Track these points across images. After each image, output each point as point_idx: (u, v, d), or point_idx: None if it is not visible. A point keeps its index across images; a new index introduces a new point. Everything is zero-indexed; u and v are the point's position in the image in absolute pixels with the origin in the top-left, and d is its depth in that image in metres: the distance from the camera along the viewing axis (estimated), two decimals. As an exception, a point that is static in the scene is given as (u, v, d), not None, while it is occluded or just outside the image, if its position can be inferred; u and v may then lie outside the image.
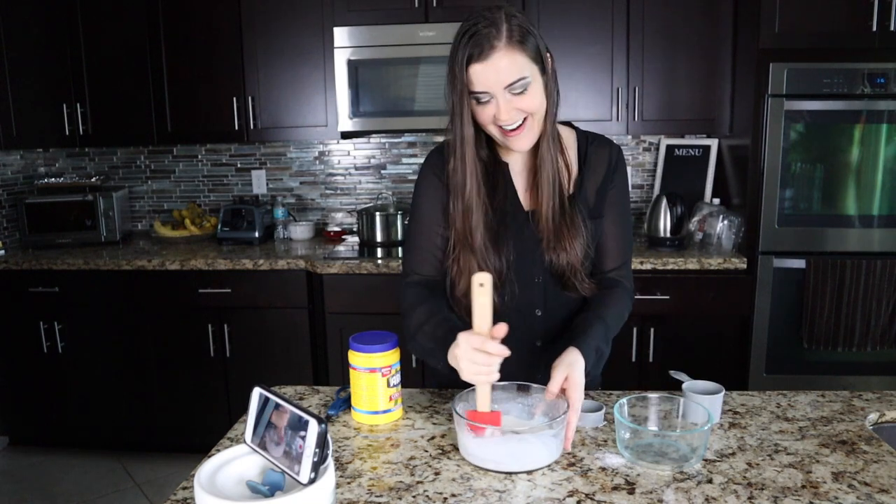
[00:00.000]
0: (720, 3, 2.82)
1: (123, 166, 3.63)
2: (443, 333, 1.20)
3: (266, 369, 2.96)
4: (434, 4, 2.88)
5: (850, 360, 2.68)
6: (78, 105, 3.19)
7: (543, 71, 1.20)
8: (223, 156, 3.56)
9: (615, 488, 1.01)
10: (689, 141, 3.18)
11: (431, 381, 1.49)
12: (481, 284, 1.05)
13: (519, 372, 1.30)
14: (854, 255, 2.60)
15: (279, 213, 3.43)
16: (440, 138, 1.33)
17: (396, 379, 1.27)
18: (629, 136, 3.27)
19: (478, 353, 1.08)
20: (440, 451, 1.14)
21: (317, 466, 0.84)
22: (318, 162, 3.50)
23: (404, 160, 3.44)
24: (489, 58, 1.14)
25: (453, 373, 1.15)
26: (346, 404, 1.32)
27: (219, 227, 3.28)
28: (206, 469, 0.90)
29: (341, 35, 2.89)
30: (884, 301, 2.58)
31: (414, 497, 1.00)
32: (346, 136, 3.22)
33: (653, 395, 1.18)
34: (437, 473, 1.07)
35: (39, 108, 3.13)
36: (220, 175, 3.58)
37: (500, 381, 1.20)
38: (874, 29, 2.50)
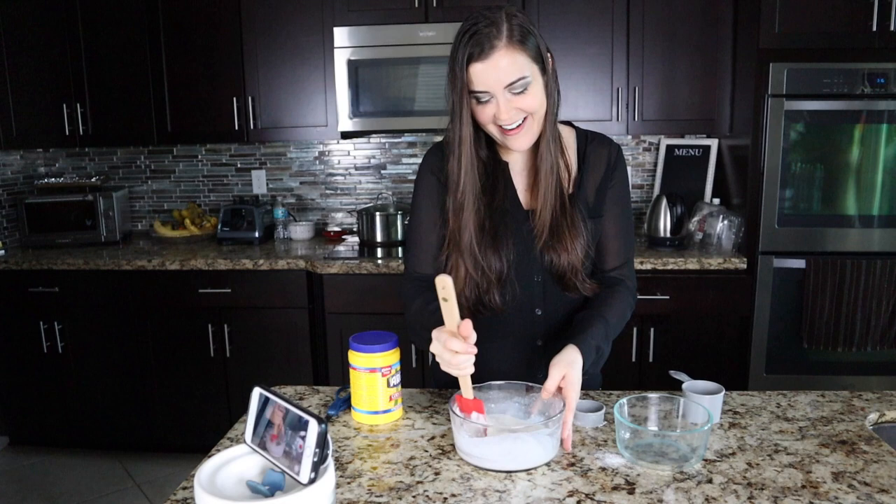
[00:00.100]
0: (720, 3, 2.82)
1: (123, 166, 3.63)
2: (435, 323, 1.21)
3: (266, 369, 2.96)
4: (434, 4, 2.88)
5: (850, 360, 2.68)
6: (78, 105, 3.19)
7: (544, 71, 1.20)
8: (223, 156, 3.56)
9: (615, 488, 1.01)
10: (689, 141, 3.18)
11: (431, 381, 1.49)
12: (443, 287, 1.06)
13: (520, 371, 1.31)
14: (854, 255, 2.60)
15: (279, 213, 3.43)
16: (440, 138, 1.33)
17: (396, 379, 1.27)
18: (629, 136, 3.27)
19: (446, 351, 1.10)
20: (440, 451, 1.14)
21: (317, 466, 0.84)
22: (318, 162, 3.50)
23: (404, 160, 3.44)
24: (489, 57, 1.14)
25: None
26: (346, 404, 1.32)
27: (219, 227, 3.28)
28: (206, 469, 0.90)
29: (341, 35, 2.89)
30: (884, 301, 2.58)
31: (414, 497, 1.00)
32: (346, 136, 3.22)
33: (653, 395, 1.18)
34: (437, 473, 1.07)
35: (39, 108, 3.14)
36: (220, 175, 3.58)
37: (499, 380, 1.21)
38: (874, 29, 2.50)
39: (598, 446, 1.14)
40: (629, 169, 3.25)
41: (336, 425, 1.26)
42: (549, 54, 1.22)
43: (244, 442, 0.95)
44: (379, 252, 2.98)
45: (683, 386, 1.25)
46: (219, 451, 1.04)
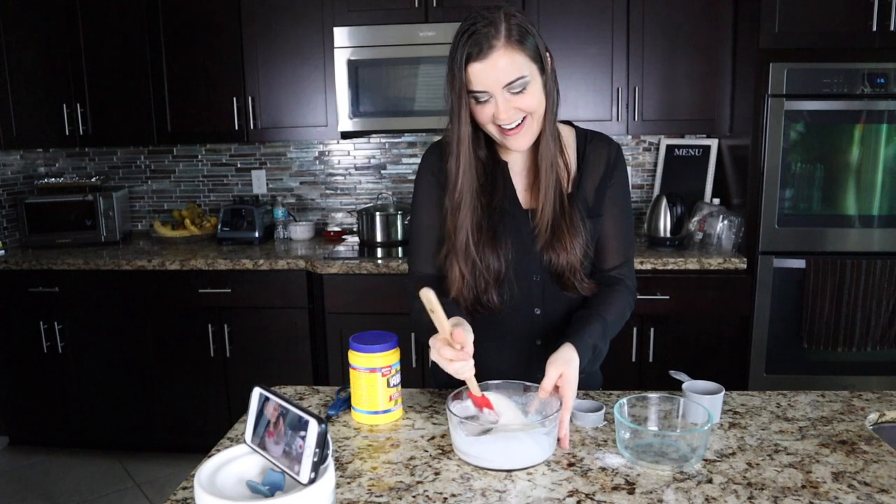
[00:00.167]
0: (720, 3, 2.82)
1: (123, 166, 3.63)
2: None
3: (266, 369, 2.96)
4: (434, 4, 2.88)
5: (850, 360, 2.68)
6: (78, 105, 3.19)
7: (542, 70, 1.20)
8: (223, 156, 3.56)
9: (615, 488, 1.01)
10: (689, 141, 3.18)
11: (431, 381, 1.49)
12: (427, 300, 1.10)
13: (519, 370, 1.31)
14: (854, 255, 2.60)
15: (279, 213, 3.43)
16: (440, 138, 1.33)
17: (396, 379, 1.27)
18: (629, 136, 3.27)
19: (441, 359, 1.13)
20: (440, 451, 1.14)
21: (317, 466, 0.84)
22: (318, 162, 3.50)
23: (404, 160, 3.44)
24: (488, 57, 1.14)
25: None
26: (346, 404, 1.32)
27: (219, 227, 3.28)
28: (206, 469, 0.90)
29: (341, 35, 2.89)
30: (884, 301, 2.58)
31: (414, 497, 1.00)
32: (346, 136, 3.22)
33: (653, 395, 1.18)
34: (437, 473, 1.07)
35: (39, 108, 3.14)
36: (220, 175, 3.58)
37: (498, 379, 1.21)
38: (874, 29, 2.50)
39: (598, 446, 1.14)
40: (629, 169, 3.25)
41: (336, 425, 1.26)
42: (547, 54, 1.22)
43: (244, 442, 0.95)
44: (379, 252, 2.98)
45: (683, 386, 1.25)
46: (219, 451, 1.04)
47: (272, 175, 3.54)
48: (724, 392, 1.24)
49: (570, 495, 0.99)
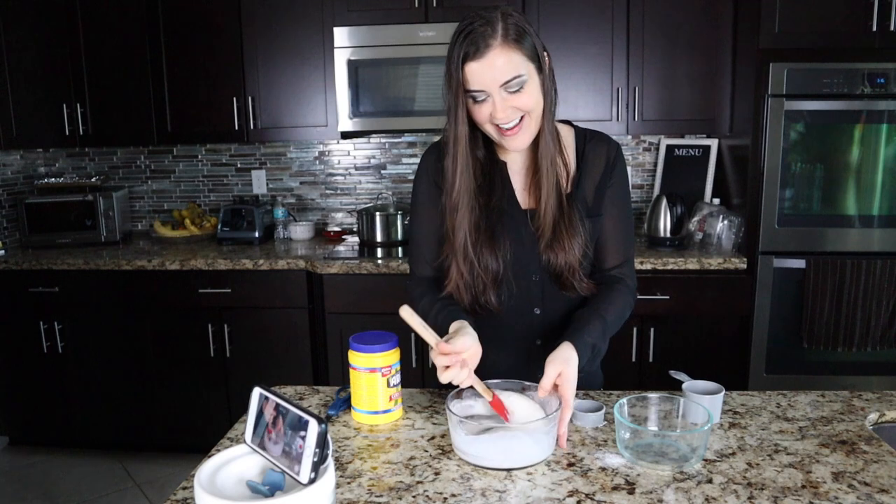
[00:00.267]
0: (720, 3, 2.82)
1: (123, 166, 3.63)
2: (442, 320, 1.25)
3: (266, 369, 2.96)
4: (434, 4, 2.88)
5: (850, 360, 2.68)
6: (78, 105, 3.19)
7: (540, 69, 1.20)
8: (223, 156, 3.56)
9: (615, 488, 1.01)
10: (689, 141, 3.18)
11: (431, 382, 1.49)
12: (408, 317, 1.13)
13: (519, 370, 1.31)
14: (854, 255, 2.60)
15: (279, 213, 3.43)
16: (440, 138, 1.33)
17: (396, 379, 1.27)
18: (629, 136, 3.27)
19: (439, 367, 1.14)
20: (440, 451, 1.14)
21: (317, 466, 0.84)
22: (318, 162, 3.50)
23: (404, 160, 3.44)
24: (485, 56, 1.15)
25: None
26: (346, 404, 1.32)
27: (219, 227, 3.28)
28: (206, 469, 0.90)
29: (341, 35, 2.89)
30: (884, 301, 2.58)
31: (414, 497, 1.00)
32: (346, 136, 3.22)
33: (653, 395, 1.18)
34: (437, 473, 1.07)
35: (39, 108, 3.14)
36: (220, 175, 3.58)
37: (497, 378, 1.22)
38: (874, 29, 2.50)
39: (598, 446, 1.14)
40: (629, 169, 3.25)
41: (336, 425, 1.26)
42: (545, 53, 1.22)
43: (244, 442, 0.95)
44: (379, 252, 2.98)
45: (683, 386, 1.25)
46: (219, 451, 1.04)
47: (272, 175, 3.54)
48: (724, 392, 1.24)
49: (570, 495, 0.99)
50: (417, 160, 3.39)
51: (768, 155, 2.59)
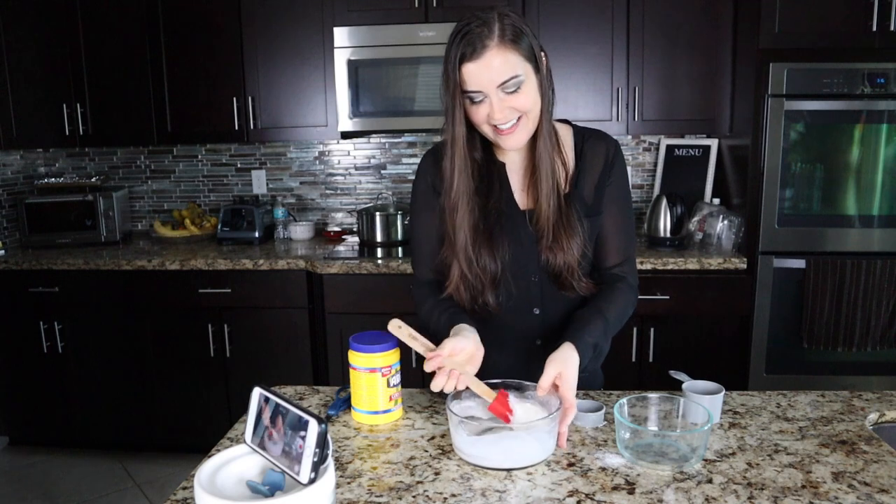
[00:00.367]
0: (720, 3, 2.82)
1: (123, 166, 3.63)
2: (444, 324, 1.27)
3: (266, 369, 2.96)
4: (434, 4, 2.88)
5: (850, 360, 2.68)
6: (78, 105, 3.19)
7: (537, 70, 1.20)
8: (223, 156, 3.56)
9: (615, 488, 1.01)
10: (689, 141, 3.18)
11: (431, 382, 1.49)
12: (399, 327, 1.17)
13: (519, 371, 1.31)
14: (854, 255, 2.59)
15: (279, 213, 3.43)
16: (440, 138, 1.33)
17: (396, 379, 1.27)
18: (629, 136, 3.27)
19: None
20: (440, 451, 1.14)
21: (317, 466, 0.84)
22: (318, 162, 3.50)
23: (404, 160, 3.44)
24: (481, 57, 1.15)
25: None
26: (346, 404, 1.32)
27: (219, 227, 3.28)
28: (206, 469, 0.90)
29: (341, 35, 2.89)
30: (884, 301, 2.58)
31: (414, 497, 1.00)
32: (346, 136, 3.22)
33: (653, 395, 1.18)
34: (437, 473, 1.07)
35: (39, 108, 3.14)
36: (220, 175, 3.58)
37: (497, 378, 1.22)
38: (874, 29, 2.50)
39: (598, 446, 1.14)
40: (629, 169, 3.26)
41: (336, 425, 1.26)
42: (542, 53, 1.22)
43: (244, 442, 0.95)
44: (379, 252, 2.98)
45: (683, 386, 1.25)
46: (219, 451, 1.04)
47: (272, 175, 3.54)
48: (724, 392, 1.24)
49: (570, 495, 0.99)
50: (417, 160, 3.39)
51: (768, 155, 2.59)
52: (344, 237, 3.36)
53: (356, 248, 3.10)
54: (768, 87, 2.54)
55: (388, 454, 1.14)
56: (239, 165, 3.55)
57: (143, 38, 3.11)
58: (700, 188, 3.11)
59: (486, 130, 1.23)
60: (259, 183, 3.54)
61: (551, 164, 1.27)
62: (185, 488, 1.04)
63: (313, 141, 3.45)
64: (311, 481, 0.84)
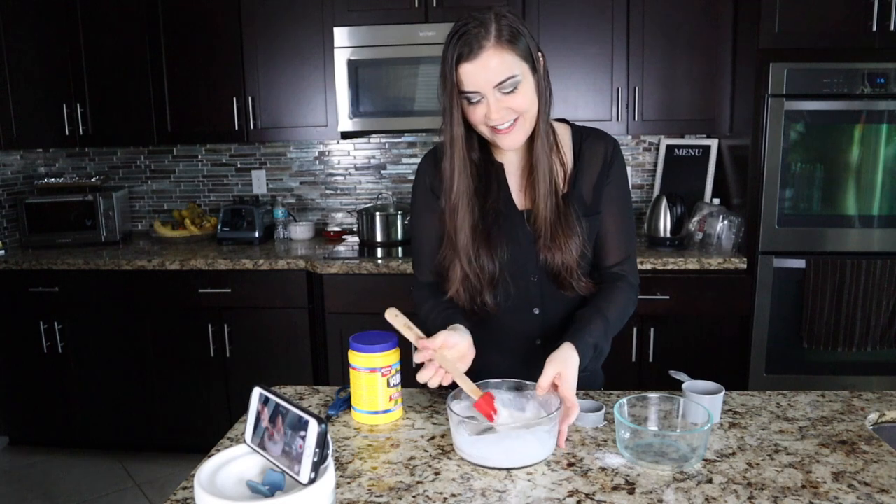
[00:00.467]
0: (720, 3, 2.82)
1: (123, 166, 3.63)
2: (440, 323, 1.27)
3: (266, 369, 2.96)
4: (434, 4, 2.88)
5: (850, 360, 2.68)
6: (78, 105, 3.19)
7: (534, 70, 1.20)
8: (223, 156, 3.56)
9: (615, 488, 1.01)
10: (689, 141, 3.18)
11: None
12: (396, 316, 1.19)
13: (519, 370, 1.31)
14: (854, 255, 2.59)
15: (279, 213, 3.43)
16: (439, 139, 1.33)
17: (396, 379, 1.27)
18: (629, 136, 3.27)
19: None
20: (440, 451, 1.14)
21: (317, 466, 0.84)
22: (318, 162, 3.50)
23: (404, 160, 3.44)
24: (478, 57, 1.15)
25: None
26: (346, 404, 1.32)
27: (219, 227, 3.28)
28: (206, 469, 0.90)
29: (341, 35, 2.89)
30: (884, 301, 2.58)
31: (414, 497, 1.00)
32: (346, 136, 3.22)
33: (653, 395, 1.18)
34: (437, 473, 1.07)
35: (39, 108, 3.14)
36: (220, 175, 3.58)
37: (497, 378, 1.22)
38: (874, 29, 2.50)
39: (598, 446, 1.14)
40: (629, 169, 3.26)
41: (336, 425, 1.26)
42: (539, 53, 1.22)
43: (244, 442, 0.95)
44: (379, 252, 2.98)
45: (683, 386, 1.25)
46: (219, 451, 1.04)
47: (272, 175, 3.54)
48: (724, 392, 1.24)
49: (570, 495, 0.99)
50: (417, 160, 3.39)
51: (768, 155, 2.59)
52: (344, 237, 3.36)
53: (356, 248, 3.10)
54: (768, 87, 2.54)
55: (388, 454, 1.14)
56: (239, 165, 3.55)
57: (143, 38, 3.11)
58: (700, 188, 3.11)
59: (484, 130, 1.23)
60: (259, 183, 3.54)
61: (549, 164, 1.27)
62: (185, 488, 1.04)
63: (313, 141, 3.45)
64: (311, 481, 0.84)
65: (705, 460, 1.09)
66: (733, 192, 2.92)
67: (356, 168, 3.48)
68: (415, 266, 1.44)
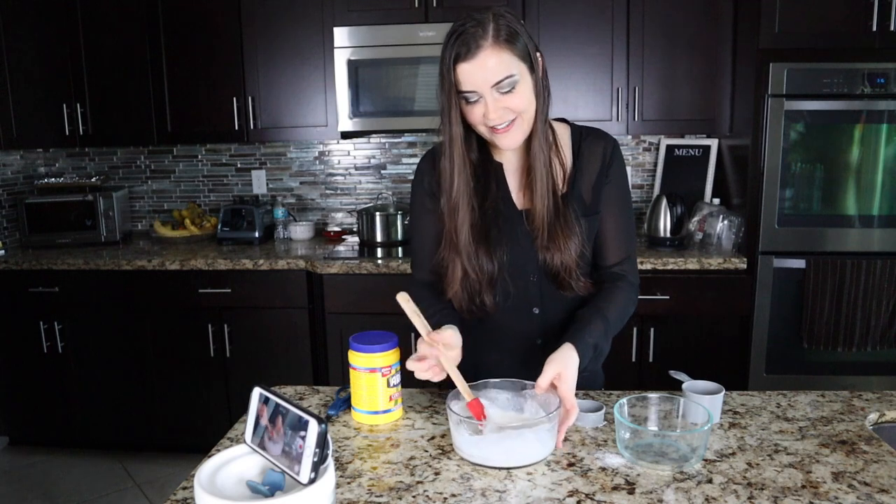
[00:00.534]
0: (720, 3, 2.82)
1: (123, 166, 3.63)
2: (434, 322, 1.26)
3: (266, 369, 2.96)
4: (434, 4, 2.88)
5: (850, 360, 2.68)
6: (78, 105, 3.19)
7: (532, 70, 1.20)
8: (223, 156, 3.56)
9: (615, 488, 1.01)
10: (689, 141, 3.18)
11: (431, 381, 1.49)
12: (407, 301, 1.16)
13: (519, 370, 1.31)
14: (854, 255, 2.59)
15: (279, 213, 3.43)
16: (438, 139, 1.33)
17: (396, 379, 1.27)
18: (629, 136, 3.27)
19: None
20: (440, 451, 1.14)
21: (317, 466, 0.84)
22: (318, 162, 3.50)
23: (404, 160, 3.44)
24: (476, 56, 1.15)
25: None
26: (346, 404, 1.32)
27: (219, 227, 3.28)
28: (206, 469, 0.90)
29: (341, 35, 2.89)
30: (884, 301, 2.58)
31: (414, 497, 1.00)
32: (346, 136, 3.22)
33: (653, 395, 1.18)
34: (437, 473, 1.07)
35: (39, 108, 3.14)
36: (220, 175, 3.58)
37: (497, 378, 1.22)
38: (874, 29, 2.50)
39: (598, 446, 1.14)
40: (629, 169, 3.26)
41: (336, 425, 1.26)
42: (538, 53, 1.22)
43: (244, 442, 0.95)
44: (379, 252, 2.98)
45: (683, 386, 1.25)
46: (219, 451, 1.04)
47: (272, 175, 3.54)
48: (724, 392, 1.24)
49: (570, 495, 0.99)
50: (417, 160, 3.39)
51: (768, 155, 2.59)
52: (344, 237, 3.36)
53: (356, 248, 3.10)
54: (768, 87, 2.54)
55: (388, 454, 1.14)
56: (239, 165, 3.55)
57: (143, 38, 3.11)
58: (700, 188, 3.11)
59: (482, 130, 1.23)
60: (259, 183, 3.54)
61: (547, 163, 1.27)
62: (185, 488, 1.04)
63: (313, 141, 3.45)
64: (311, 481, 0.84)
65: (705, 460, 1.09)
66: (733, 192, 2.92)
67: (356, 168, 3.48)
68: (413, 266, 1.44)
